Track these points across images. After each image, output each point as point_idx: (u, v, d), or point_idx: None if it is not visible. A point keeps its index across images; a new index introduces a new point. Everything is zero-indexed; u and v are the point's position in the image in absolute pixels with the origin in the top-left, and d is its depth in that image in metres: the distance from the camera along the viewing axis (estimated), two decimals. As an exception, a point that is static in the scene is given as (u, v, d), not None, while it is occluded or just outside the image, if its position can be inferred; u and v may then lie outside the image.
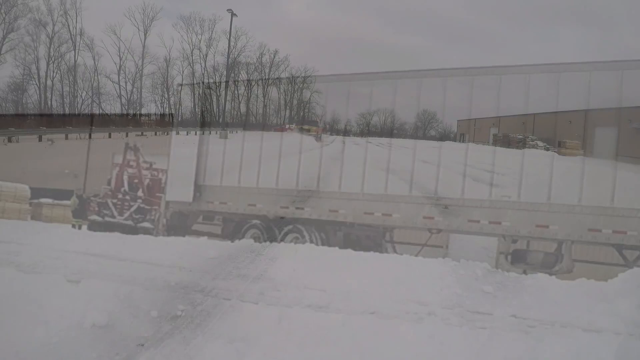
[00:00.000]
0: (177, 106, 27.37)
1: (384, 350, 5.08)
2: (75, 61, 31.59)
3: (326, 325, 5.50)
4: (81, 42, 31.37)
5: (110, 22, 32.47)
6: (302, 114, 16.08)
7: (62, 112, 30.50)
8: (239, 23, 37.53)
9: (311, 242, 9.79)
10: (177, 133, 13.51)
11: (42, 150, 19.16)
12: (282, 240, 9.97)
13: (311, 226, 10.04)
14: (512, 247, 9.12)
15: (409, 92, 10.23)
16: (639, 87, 8.51)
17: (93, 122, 27.49)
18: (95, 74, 31.97)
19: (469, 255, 8.66)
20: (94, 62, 31.88)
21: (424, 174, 9.70)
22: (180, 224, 11.39)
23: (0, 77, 29.39)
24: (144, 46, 32.60)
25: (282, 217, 10.29)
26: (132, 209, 11.97)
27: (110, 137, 21.38)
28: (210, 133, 12.79)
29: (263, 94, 17.10)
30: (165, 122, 29.89)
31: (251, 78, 31.80)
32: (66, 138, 20.90)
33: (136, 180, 12.29)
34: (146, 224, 11.78)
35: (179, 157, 11.33)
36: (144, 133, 22.16)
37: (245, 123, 16.44)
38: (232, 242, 9.95)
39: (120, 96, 32.56)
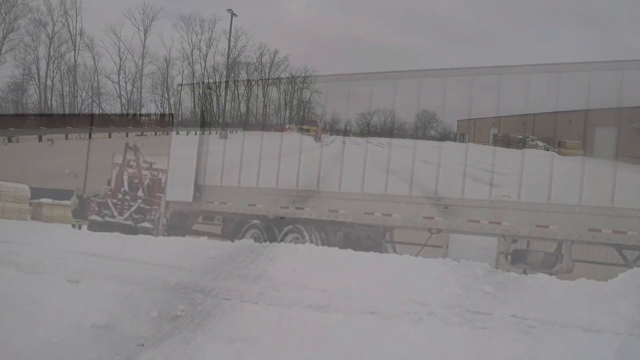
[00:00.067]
0: (177, 106, 27.38)
1: (384, 350, 5.08)
2: (75, 61, 31.63)
3: (326, 325, 5.50)
4: (81, 42, 31.40)
5: (110, 22, 32.50)
6: (302, 114, 16.10)
7: (62, 112, 30.50)
8: (239, 23, 37.56)
9: (311, 242, 9.79)
10: (177, 133, 13.52)
11: (42, 150, 19.15)
12: (282, 240, 9.97)
13: (311, 226, 10.04)
14: (512, 247, 9.12)
15: (409, 92, 10.23)
16: (639, 87, 8.51)
17: (93, 122, 27.48)
18: (95, 74, 32.00)
19: (469, 255, 8.66)
20: (94, 62, 31.91)
21: (424, 174, 9.70)
22: (180, 224, 11.39)
23: (0, 77, 29.43)
24: (144, 46, 32.63)
25: (282, 217, 10.29)
26: (132, 209, 11.97)
27: (110, 137, 21.36)
28: (210, 133, 12.79)
29: (263, 94, 17.11)
30: (165, 122, 29.89)
31: (251, 78, 31.82)
32: (66, 138, 20.89)
33: (136, 180, 12.29)
34: (146, 224, 11.78)
35: (179, 157, 11.34)
36: (144, 133, 22.15)
37: (245, 123, 16.45)
38: (232, 242, 9.95)
39: (120, 96, 32.59)
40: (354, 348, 5.08)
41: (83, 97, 31.96)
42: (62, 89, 31.83)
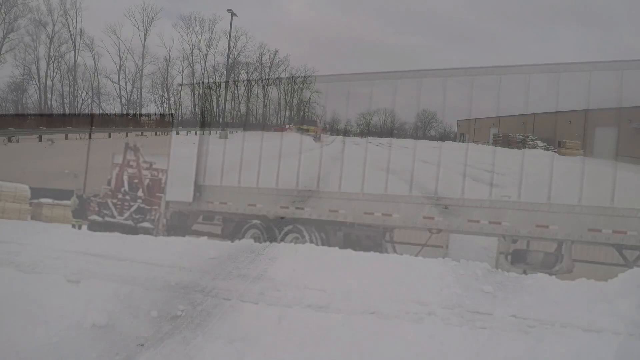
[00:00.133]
0: (177, 106, 27.33)
1: (384, 350, 5.08)
2: (75, 61, 31.59)
3: (326, 325, 5.50)
4: (81, 42, 31.35)
5: (110, 22, 32.44)
6: (302, 114, 16.09)
7: (62, 112, 30.48)
8: (239, 23, 37.52)
9: (311, 242, 9.79)
10: (177, 133, 13.51)
11: (42, 150, 19.14)
12: (282, 240, 9.97)
13: (311, 226, 10.04)
14: (512, 247, 9.12)
15: (409, 92, 10.23)
16: (639, 87, 8.51)
17: (93, 122, 27.47)
18: (95, 74, 31.96)
19: (469, 255, 8.66)
20: (94, 62, 31.87)
21: (424, 174, 9.70)
22: (180, 224, 11.39)
23: (0, 77, 29.42)
24: (144, 46, 32.59)
25: (282, 217, 10.29)
26: (132, 209, 11.97)
27: (110, 137, 21.36)
28: (210, 133, 12.79)
29: (263, 94, 17.08)
30: (165, 122, 29.88)
31: (251, 78, 31.78)
32: (66, 138, 20.88)
33: (136, 180, 12.29)
34: (146, 224, 11.78)
35: (179, 157, 11.34)
36: (144, 133, 22.15)
37: (245, 123, 16.42)
38: (232, 242, 9.95)
39: (120, 96, 32.56)
40: (354, 348, 5.08)
41: (83, 97, 31.98)
42: (62, 89, 31.84)
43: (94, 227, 11.85)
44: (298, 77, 24.62)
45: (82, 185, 13.67)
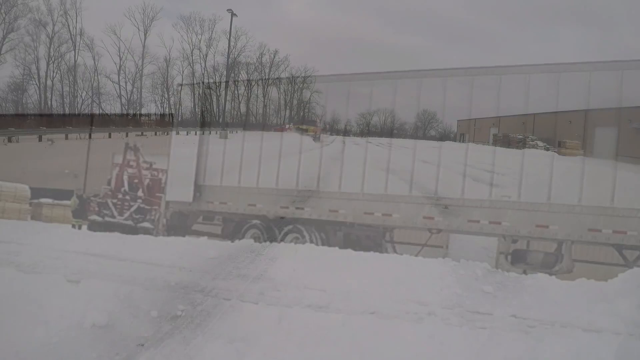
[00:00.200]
0: (177, 106, 27.34)
1: (384, 350, 5.08)
2: (75, 61, 31.57)
3: (326, 325, 5.50)
4: (81, 42, 31.31)
5: (110, 22, 32.40)
6: (302, 114, 16.10)
7: (62, 112, 30.47)
8: (239, 23, 37.48)
9: (311, 242, 9.79)
10: (177, 133, 13.52)
11: (42, 150, 19.14)
12: (282, 240, 9.97)
13: (311, 226, 10.04)
14: (512, 247, 9.12)
15: (409, 92, 10.23)
16: (639, 87, 8.51)
17: (93, 122, 27.46)
18: (95, 74, 31.94)
19: (469, 255, 8.66)
20: (94, 62, 31.84)
21: (424, 174, 9.70)
22: (180, 224, 11.39)
23: (0, 77, 29.41)
24: (144, 46, 32.57)
25: (282, 217, 10.29)
26: (132, 209, 11.97)
27: (110, 137, 21.35)
28: (210, 133, 12.78)
29: (263, 94, 17.10)
30: (165, 122, 29.87)
31: (251, 78, 31.78)
32: (66, 138, 20.87)
33: (136, 180, 12.29)
34: (146, 224, 11.78)
35: (179, 157, 11.34)
36: (144, 133, 22.14)
37: (245, 123, 16.43)
38: (232, 242, 9.95)
39: (120, 96, 32.54)
40: (354, 348, 5.08)
41: (83, 97, 31.96)
42: (62, 89, 31.82)
43: (94, 227, 11.85)
44: (298, 77, 24.64)
45: (82, 185, 13.66)
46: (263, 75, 32.15)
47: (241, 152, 10.88)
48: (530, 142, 10.61)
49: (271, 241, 9.82)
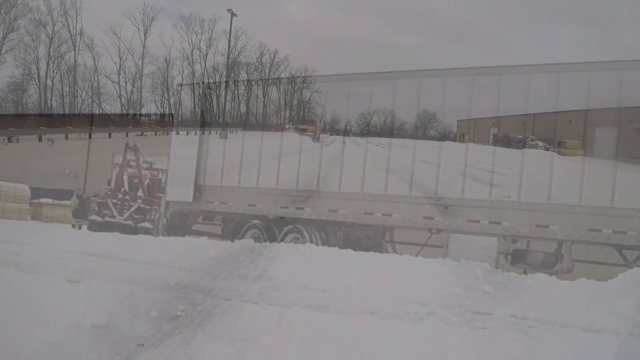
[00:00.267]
0: (177, 106, 27.31)
1: (384, 350, 5.08)
2: (75, 61, 31.54)
3: (326, 325, 5.50)
4: (81, 42, 31.28)
5: (110, 22, 32.36)
6: (302, 114, 16.10)
7: (62, 112, 30.45)
8: (239, 23, 37.44)
9: (311, 242, 9.79)
10: (177, 133, 13.52)
11: (42, 150, 19.14)
12: (282, 240, 9.97)
13: (311, 226, 10.04)
14: (512, 247, 9.12)
15: (409, 92, 10.23)
16: (639, 87, 8.51)
17: (93, 122, 27.45)
18: (95, 74, 31.91)
19: (469, 255, 8.67)
20: (94, 62, 31.81)
21: (424, 174, 9.70)
22: (180, 224, 11.39)
23: (0, 77, 29.40)
24: (144, 46, 32.54)
25: (282, 217, 10.29)
26: (132, 209, 11.97)
27: (110, 137, 21.34)
28: (210, 133, 12.79)
29: (263, 94, 17.10)
30: (165, 122, 29.86)
31: (251, 78, 31.77)
32: (66, 138, 20.86)
33: (136, 180, 12.28)
34: (146, 224, 11.77)
35: (179, 157, 11.34)
36: (144, 133, 22.13)
37: (245, 123, 16.43)
38: (232, 242, 9.95)
39: (120, 96, 32.52)
40: (354, 348, 5.08)
41: (83, 97, 31.94)
42: (62, 89, 31.80)
43: (94, 227, 11.85)
44: (298, 77, 24.63)
45: (82, 185, 13.66)
46: (263, 75, 32.16)
47: (241, 152, 10.88)
48: (530, 142, 10.60)
49: (271, 241, 9.82)
